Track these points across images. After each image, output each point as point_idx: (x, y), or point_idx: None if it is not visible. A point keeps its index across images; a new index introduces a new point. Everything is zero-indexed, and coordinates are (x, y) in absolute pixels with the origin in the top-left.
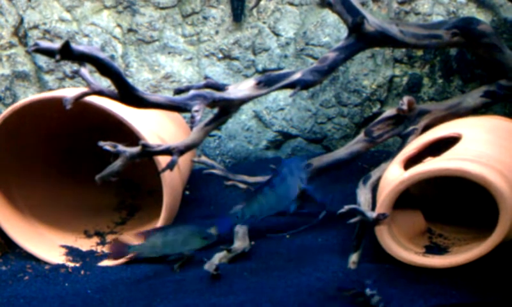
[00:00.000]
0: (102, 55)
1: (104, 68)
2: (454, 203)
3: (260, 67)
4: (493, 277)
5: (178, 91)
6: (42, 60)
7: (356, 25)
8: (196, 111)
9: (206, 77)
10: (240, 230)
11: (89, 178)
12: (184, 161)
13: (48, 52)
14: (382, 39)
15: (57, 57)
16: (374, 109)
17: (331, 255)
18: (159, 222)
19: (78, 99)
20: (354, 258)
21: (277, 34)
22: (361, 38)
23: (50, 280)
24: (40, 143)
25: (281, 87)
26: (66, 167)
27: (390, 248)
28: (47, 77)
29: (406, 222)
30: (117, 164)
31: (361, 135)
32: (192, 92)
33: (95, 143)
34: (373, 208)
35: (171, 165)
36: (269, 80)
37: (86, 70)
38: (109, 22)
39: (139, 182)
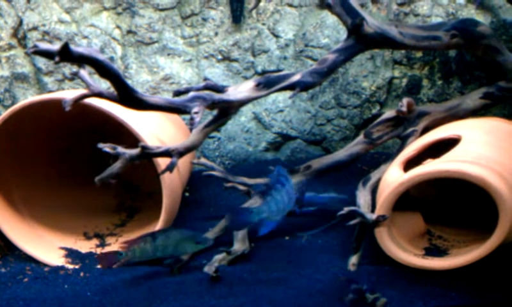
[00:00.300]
0: (101, 57)
1: (103, 69)
2: (453, 204)
3: (259, 69)
4: (493, 279)
5: (178, 93)
6: (41, 62)
7: (355, 26)
8: (196, 113)
9: (205, 79)
10: (240, 232)
11: (88, 180)
12: (183, 163)
13: (48, 54)
14: (381, 40)
15: (57, 58)
16: (374, 111)
17: (331, 257)
18: (159, 224)
19: (77, 101)
20: (354, 259)
21: (276, 36)
22: (360, 39)
23: (50, 282)
24: (40, 145)
25: (280, 88)
26: (65, 169)
27: (389, 250)
28: (46, 79)
29: (405, 224)
30: (116, 165)
31: (360, 137)
32: (191, 94)
33: (94, 145)
34: (373, 209)
35: (170, 167)
36: (268, 82)
37: (85, 72)
38: (109, 24)
39: (139, 184)
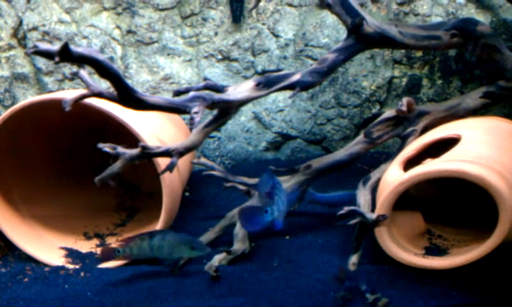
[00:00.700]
0: (101, 57)
1: (103, 69)
2: (453, 204)
3: (259, 68)
4: (493, 279)
5: (178, 93)
6: (41, 62)
7: (355, 26)
8: (196, 113)
9: (205, 79)
10: (240, 232)
11: (88, 180)
12: (183, 163)
13: (48, 54)
14: (381, 40)
15: (57, 59)
16: (374, 110)
17: (331, 256)
18: (159, 224)
19: (77, 101)
20: (354, 259)
21: (276, 36)
22: (360, 39)
23: (50, 282)
24: (40, 145)
25: (280, 88)
26: (65, 169)
27: (389, 249)
28: (46, 79)
29: (405, 223)
30: (116, 165)
31: (360, 137)
32: (191, 94)
33: (94, 145)
34: (373, 209)
35: (170, 167)
36: (268, 82)
37: (85, 72)
38: (108, 24)
39: (139, 184)
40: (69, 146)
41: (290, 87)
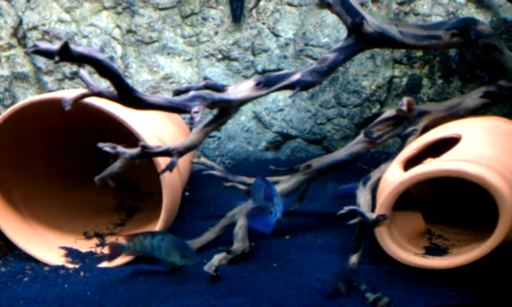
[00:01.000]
0: (101, 56)
1: (103, 69)
2: (453, 204)
3: (259, 68)
4: (493, 278)
5: (178, 92)
6: (41, 61)
7: (355, 25)
8: (196, 112)
9: (205, 78)
10: (240, 231)
11: (88, 179)
12: (183, 162)
13: (48, 54)
14: (381, 40)
15: (56, 58)
16: (374, 110)
17: (331, 256)
18: (159, 223)
19: (77, 100)
20: (354, 259)
21: (276, 35)
22: (360, 38)
23: (50, 281)
24: (40, 144)
25: (280, 88)
26: (65, 168)
27: (389, 249)
28: (46, 78)
29: (405, 223)
30: (116, 165)
31: (360, 136)
32: (191, 93)
33: (94, 144)
34: (373, 209)
35: (170, 167)
36: (268, 81)
37: (85, 71)
38: (108, 23)
39: (139, 183)
40: (69, 146)
41: (290, 86)
